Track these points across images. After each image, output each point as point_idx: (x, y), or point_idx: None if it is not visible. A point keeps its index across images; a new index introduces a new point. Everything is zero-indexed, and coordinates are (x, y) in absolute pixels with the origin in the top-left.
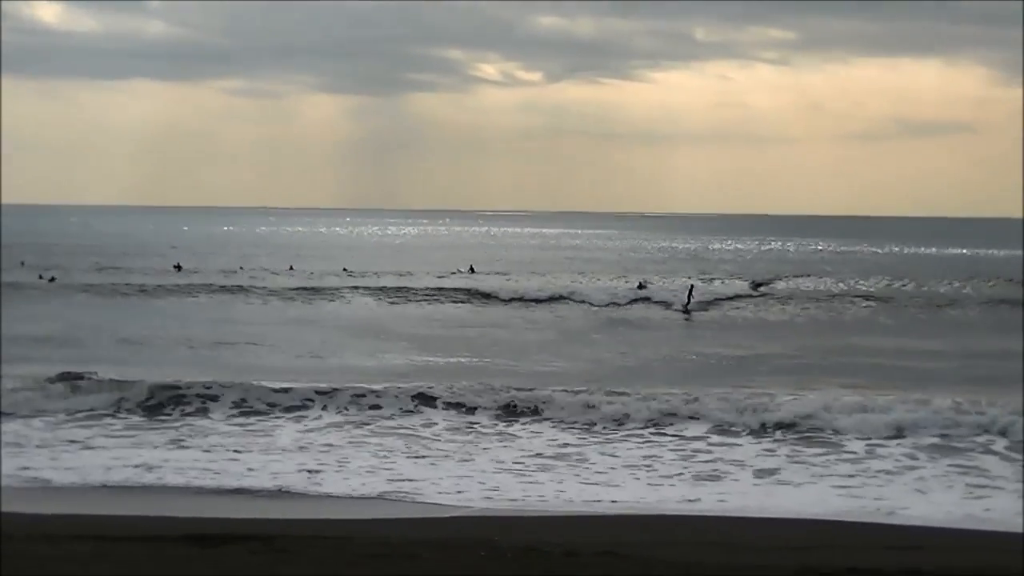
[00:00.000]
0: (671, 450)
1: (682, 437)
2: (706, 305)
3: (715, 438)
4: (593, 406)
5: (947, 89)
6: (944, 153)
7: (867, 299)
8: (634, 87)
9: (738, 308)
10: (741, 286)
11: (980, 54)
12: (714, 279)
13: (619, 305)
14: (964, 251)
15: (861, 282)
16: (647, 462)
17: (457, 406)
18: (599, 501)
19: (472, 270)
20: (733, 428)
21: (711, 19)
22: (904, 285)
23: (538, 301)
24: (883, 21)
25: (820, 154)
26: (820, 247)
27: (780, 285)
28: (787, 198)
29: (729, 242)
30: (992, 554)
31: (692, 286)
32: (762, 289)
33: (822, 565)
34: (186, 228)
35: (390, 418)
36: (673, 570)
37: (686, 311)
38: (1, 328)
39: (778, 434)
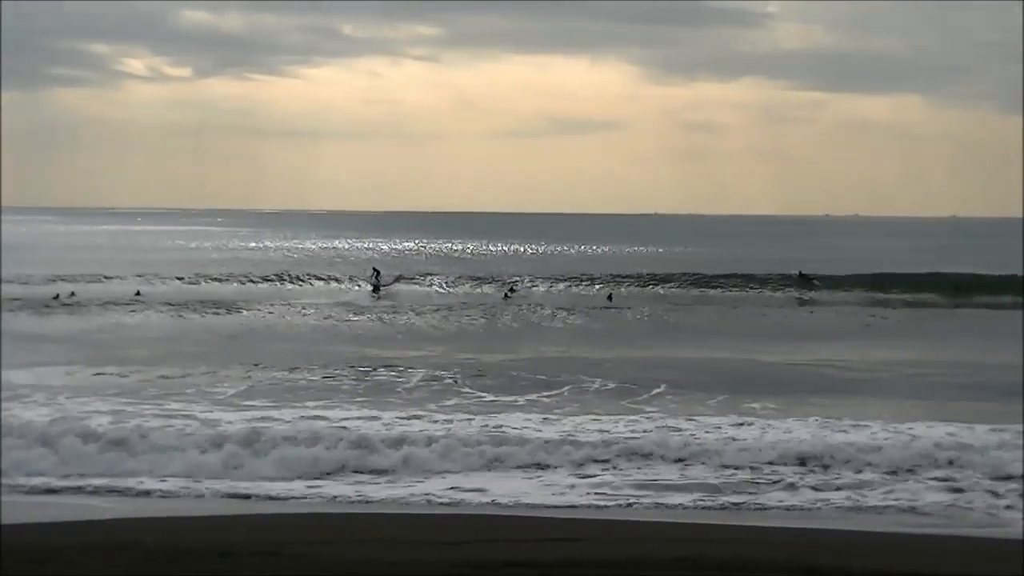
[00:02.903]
0: (331, 447)
1: (348, 431)
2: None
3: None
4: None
5: (596, 87)
6: (595, 150)
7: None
8: (284, 83)
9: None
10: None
11: (626, 52)
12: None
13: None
14: (609, 248)
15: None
16: (310, 460)
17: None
18: (258, 500)
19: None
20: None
21: (360, 15)
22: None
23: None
24: (530, 19)
25: (473, 151)
26: (460, 245)
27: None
28: (441, 195)
29: (377, 241)
30: (644, 544)
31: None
32: (382, 292)
33: (479, 559)
34: None
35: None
36: (335, 568)
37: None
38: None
39: (444, 430)
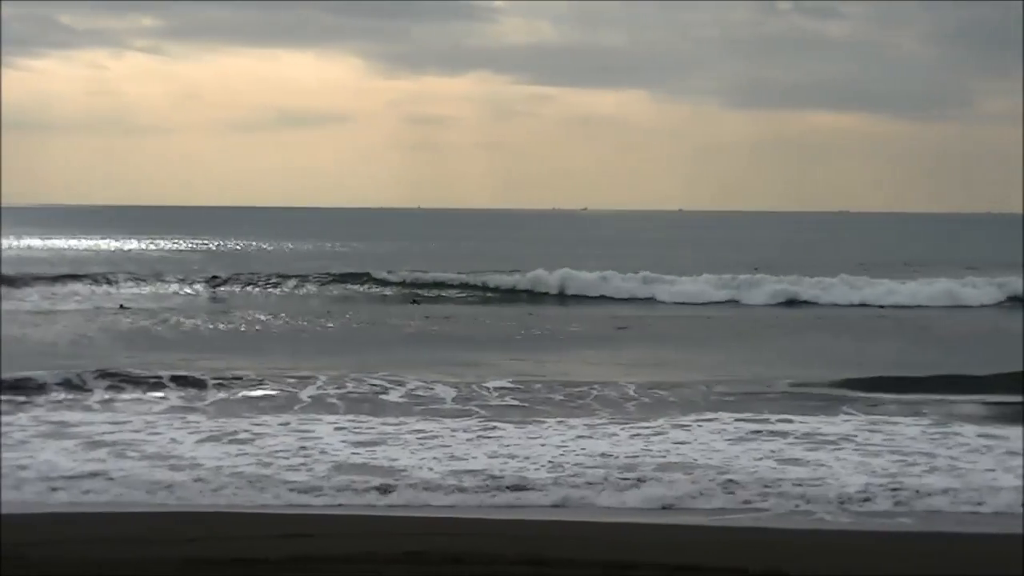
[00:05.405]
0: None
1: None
2: None
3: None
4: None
5: (323, 80)
6: (322, 143)
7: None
8: (4, 74)
9: None
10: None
11: (352, 46)
12: None
13: None
14: (329, 244)
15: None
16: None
17: None
18: None
19: None
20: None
21: (78, 5)
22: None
23: None
24: (255, 11)
25: (199, 144)
26: (178, 242)
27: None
28: (167, 189)
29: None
30: (376, 539)
31: None
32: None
33: (206, 556)
34: None
35: None
36: (55, 569)
37: None
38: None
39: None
